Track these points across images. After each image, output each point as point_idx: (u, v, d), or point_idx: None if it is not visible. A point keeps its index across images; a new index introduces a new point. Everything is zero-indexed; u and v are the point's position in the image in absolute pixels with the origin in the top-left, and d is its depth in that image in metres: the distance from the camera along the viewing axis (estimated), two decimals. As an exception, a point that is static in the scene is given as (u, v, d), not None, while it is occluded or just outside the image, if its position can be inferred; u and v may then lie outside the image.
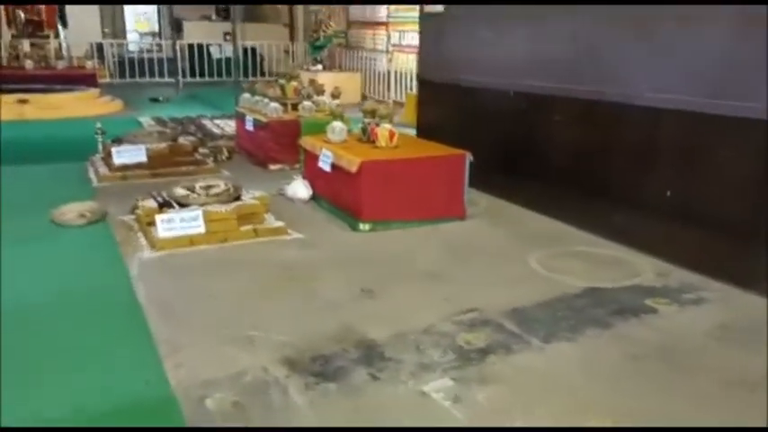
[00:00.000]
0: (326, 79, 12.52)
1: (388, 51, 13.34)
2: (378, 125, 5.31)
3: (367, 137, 5.43)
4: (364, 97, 13.52)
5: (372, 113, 5.41)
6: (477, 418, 2.58)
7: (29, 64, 13.57)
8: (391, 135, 5.24)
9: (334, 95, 7.12)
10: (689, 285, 3.95)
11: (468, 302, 3.66)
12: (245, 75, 15.68)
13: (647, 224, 4.44)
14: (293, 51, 17.33)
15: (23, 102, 10.78)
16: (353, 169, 4.88)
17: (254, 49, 16.95)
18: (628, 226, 4.57)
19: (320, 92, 7.47)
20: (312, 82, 7.81)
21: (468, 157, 5.19)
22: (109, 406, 2.62)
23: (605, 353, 3.15)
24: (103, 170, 6.51)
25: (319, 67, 13.79)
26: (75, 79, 13.04)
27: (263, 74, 16.59)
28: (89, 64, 14.70)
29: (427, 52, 7.01)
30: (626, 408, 2.67)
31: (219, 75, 16.53)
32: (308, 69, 13.51)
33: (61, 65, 14.20)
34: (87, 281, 3.95)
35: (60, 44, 15.98)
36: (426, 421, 2.58)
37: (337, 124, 5.52)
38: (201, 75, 16.50)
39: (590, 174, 4.92)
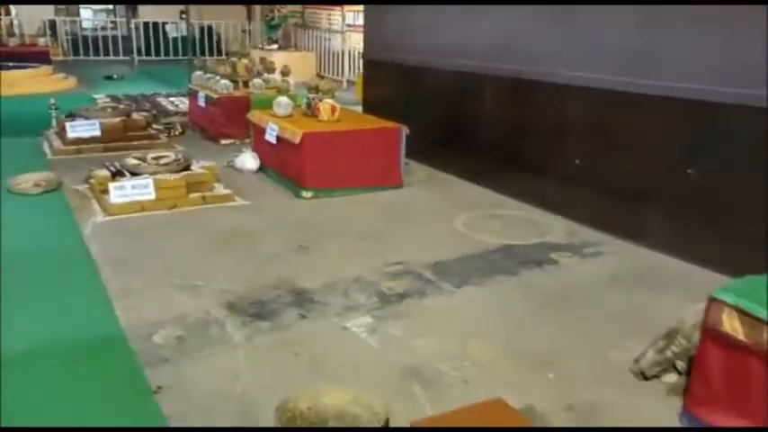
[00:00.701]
0: (281, 58, 12.76)
1: (342, 31, 13.62)
2: (321, 100, 5.68)
3: (311, 111, 5.80)
4: (319, 76, 13.83)
5: (316, 89, 5.78)
6: (387, 344, 3.02)
7: (-20, 41, 13.46)
8: (332, 109, 5.61)
9: (284, 73, 7.43)
10: (591, 242, 4.45)
11: (395, 257, 4.09)
12: (202, 53, 15.69)
13: (560, 189, 4.92)
14: (250, 30, 17.42)
15: (-25, 79, 10.77)
16: (296, 140, 5.25)
17: (210, 28, 16.99)
18: (544, 191, 5.05)
19: (270, 70, 7.78)
20: (263, 60, 8.10)
21: (405, 129, 5.60)
22: (66, 341, 2.97)
23: (506, 294, 3.62)
24: (58, 144, 6.73)
25: (274, 46, 14.00)
26: (28, 56, 12.99)
27: (219, 53, 16.64)
28: (41, 41, 14.60)
29: (371, 33, 7.37)
30: (511, 331, 3.14)
31: (176, 53, 16.50)
32: (263, 48, 13.72)
33: (13, 42, 14.10)
34: (43, 241, 4.26)
35: (12, 21, 15.78)
36: (345, 348, 3.00)
37: (283, 99, 5.87)
38: (157, 53, 16.48)
39: (513, 145, 5.39)
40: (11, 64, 12.01)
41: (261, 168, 6.09)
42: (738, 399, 2.28)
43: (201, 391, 2.62)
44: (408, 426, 2.30)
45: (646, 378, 2.74)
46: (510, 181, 5.39)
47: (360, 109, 7.45)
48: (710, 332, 2.33)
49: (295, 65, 12.96)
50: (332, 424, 2.40)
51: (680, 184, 4.04)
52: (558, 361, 2.91)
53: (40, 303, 3.35)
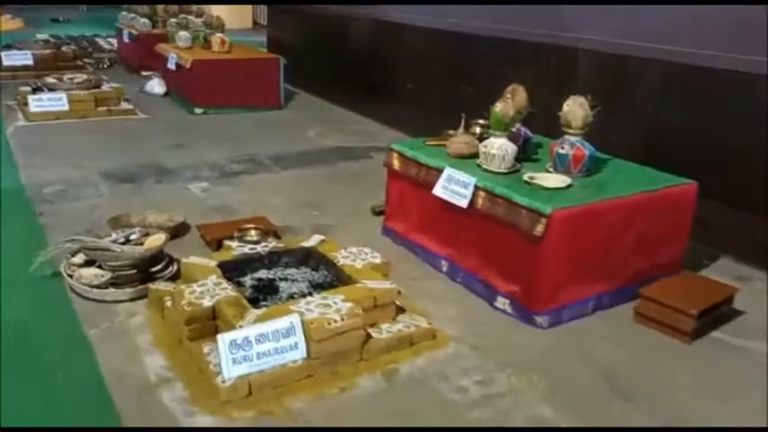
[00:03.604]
0: (217, 6, 13.69)
1: (278, -19, 14.54)
2: (213, 34, 6.84)
3: (207, 44, 6.96)
4: (255, 23, 14.83)
5: (210, 25, 6.92)
6: (211, 197, 4.31)
7: (-71, -18, 14.10)
8: (222, 42, 6.78)
9: (198, 15, 8.50)
10: (408, 146, 5.75)
11: (248, 151, 5.35)
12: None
13: (396, 108, 6.21)
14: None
15: (-76, 16, 11.60)
16: (188, 66, 6.43)
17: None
18: (386, 110, 6.34)
19: (188, 12, 8.83)
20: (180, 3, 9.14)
21: (283, 60, 6.80)
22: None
23: (318, 174, 4.92)
24: (-5, 71, 7.78)
25: (213, -6, 14.86)
26: (-23, -2, 13.73)
27: None
28: (-9, -16, 15.23)
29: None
30: (301, 190, 4.43)
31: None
32: (202, -4, 14.58)
33: (-38, -16, 14.73)
34: (-27, 137, 5.44)
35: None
36: (181, 198, 4.26)
37: (183, 33, 7.02)
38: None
39: (368, 74, 6.64)
40: (-41, 4, 12.81)
41: (168, 93, 7.25)
42: (403, 210, 3.61)
43: (69, 214, 3.88)
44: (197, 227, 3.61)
45: (375, 213, 4.06)
46: (365, 103, 6.66)
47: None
48: (389, 169, 3.65)
49: (231, 11, 13.93)
50: (152, 231, 3.67)
51: (456, 95, 5.34)
52: (325, 206, 4.22)
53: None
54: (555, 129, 3.50)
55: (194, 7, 8.88)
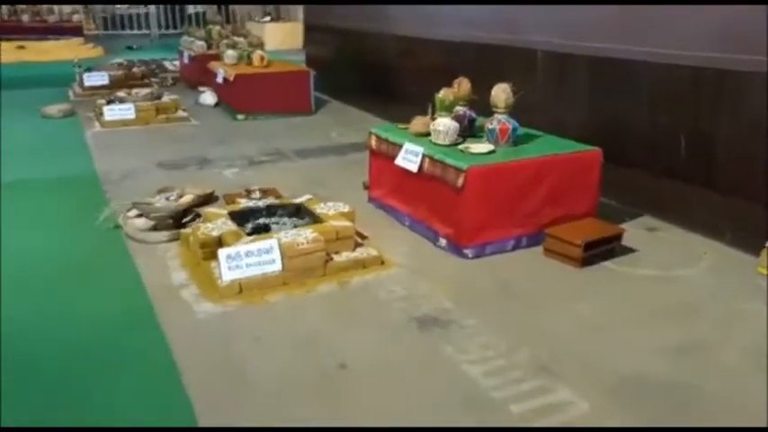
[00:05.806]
0: (272, 29, 15.11)
1: (326, 5, 15.83)
2: (254, 52, 8.02)
3: (249, 60, 8.14)
4: (306, 44, 16.12)
5: (251, 44, 8.11)
6: (239, 178, 5.37)
7: (25, 17, 16.17)
8: (261, 58, 7.95)
9: (245, 36, 9.76)
10: (413, 140, 6.68)
11: (277, 146, 6.43)
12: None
13: (404, 108, 7.14)
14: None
15: (21, 48, 13.47)
16: (231, 78, 7.60)
17: (222, 5, 19.42)
18: (397, 111, 7.28)
19: (239, 35, 10.11)
20: (235, 27, 10.44)
21: (312, 72, 7.89)
22: (66, 176, 5.41)
23: (330, 162, 5.93)
24: (77, 90, 9.23)
25: (267, 18, 16.30)
26: (64, 30, 15.68)
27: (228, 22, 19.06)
28: (75, 17, 17.23)
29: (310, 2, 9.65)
30: (313, 174, 5.43)
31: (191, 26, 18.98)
32: (258, 21, 16.04)
33: (52, 18, 16.76)
34: (59, 139, 6.74)
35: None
36: (215, 179, 5.34)
37: (230, 52, 8.24)
38: (175, 27, 19.01)
39: (384, 83, 7.63)
40: (50, 36, 14.70)
41: (218, 104, 8.46)
42: (380, 180, 4.55)
43: (129, 188, 5.00)
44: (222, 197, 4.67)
45: (366, 188, 5.00)
46: (382, 106, 7.65)
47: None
48: (370, 149, 4.60)
49: (284, 34, 15.29)
50: (188, 196, 4.74)
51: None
52: (328, 183, 5.21)
53: (58, 162, 5.82)
54: (519, 113, 4.19)
55: (268, 35, 10.14)
